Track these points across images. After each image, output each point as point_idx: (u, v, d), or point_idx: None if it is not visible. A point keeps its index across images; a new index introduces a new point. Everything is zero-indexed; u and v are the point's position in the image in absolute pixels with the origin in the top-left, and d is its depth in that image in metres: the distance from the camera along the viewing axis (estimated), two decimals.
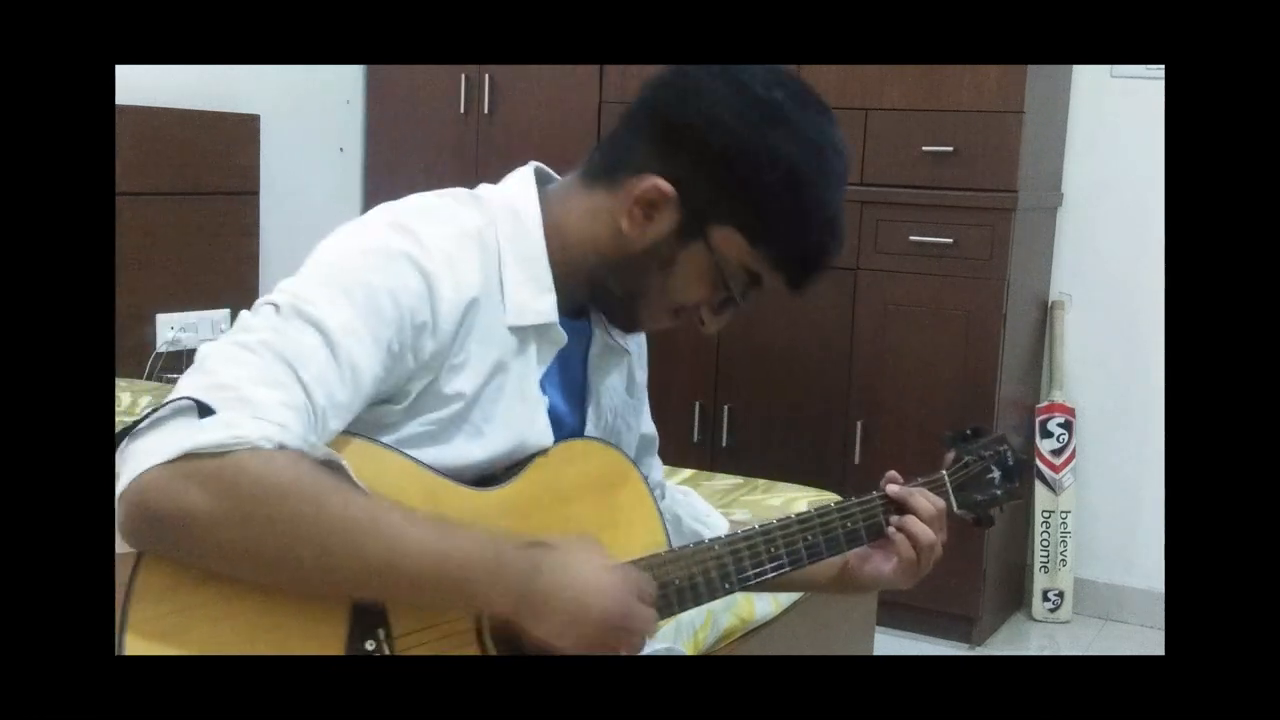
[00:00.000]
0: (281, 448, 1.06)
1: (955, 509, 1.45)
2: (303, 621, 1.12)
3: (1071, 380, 3.57)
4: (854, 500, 1.40)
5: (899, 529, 1.38)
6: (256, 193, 3.48)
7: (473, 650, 1.21)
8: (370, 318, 1.15)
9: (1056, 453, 3.51)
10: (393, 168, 4.08)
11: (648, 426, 1.55)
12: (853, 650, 2.68)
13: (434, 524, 1.13)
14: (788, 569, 1.35)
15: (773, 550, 1.34)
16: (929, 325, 3.30)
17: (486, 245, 1.26)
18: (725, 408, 3.57)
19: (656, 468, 1.59)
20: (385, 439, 1.21)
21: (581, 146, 4.63)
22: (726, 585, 1.31)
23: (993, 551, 3.34)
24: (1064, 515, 3.52)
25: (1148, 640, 3.44)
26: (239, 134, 3.44)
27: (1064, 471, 3.51)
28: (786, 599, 2.36)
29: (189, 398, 1.05)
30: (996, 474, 1.48)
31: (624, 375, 1.46)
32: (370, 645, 1.15)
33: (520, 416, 1.28)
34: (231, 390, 1.07)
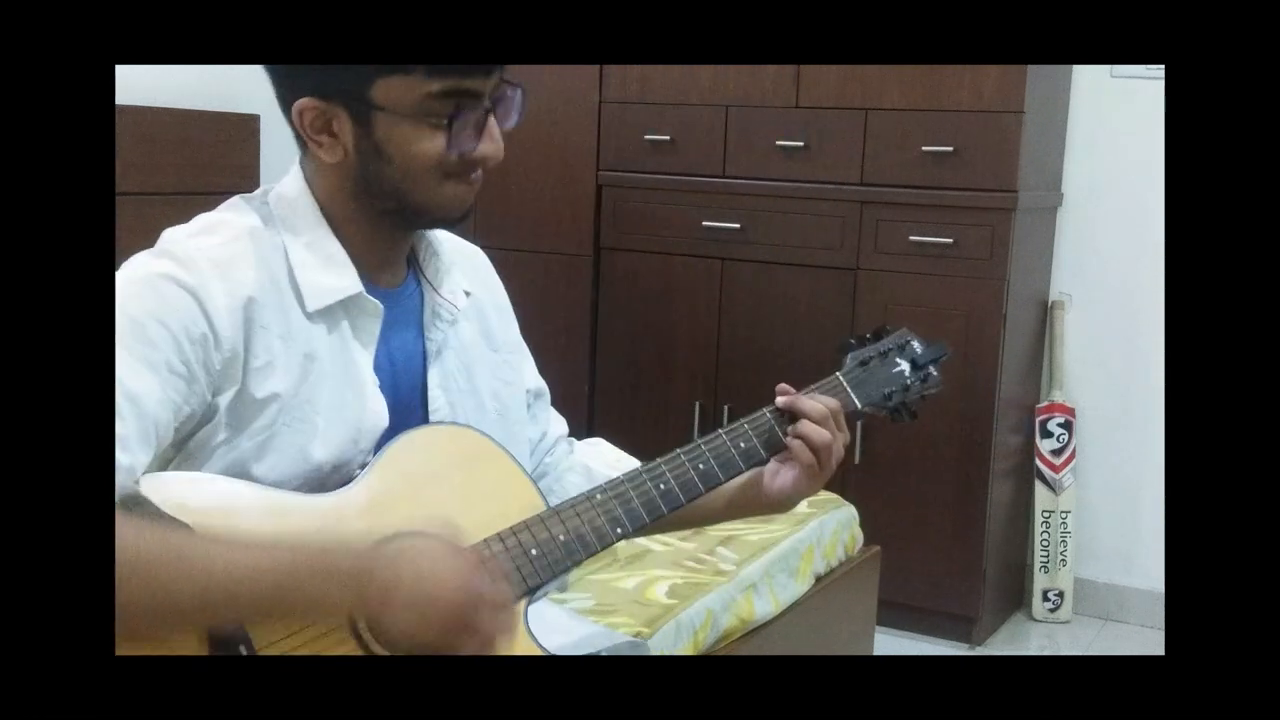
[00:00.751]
0: None
1: (860, 406, 1.45)
2: (158, 650, 1.09)
3: (1071, 380, 3.57)
4: (743, 420, 1.40)
5: (794, 435, 1.38)
6: None
7: (350, 646, 1.18)
8: (137, 346, 1.15)
9: (1056, 453, 3.51)
10: None
11: (532, 381, 1.53)
12: (853, 650, 2.68)
13: (244, 543, 1.11)
14: (683, 501, 1.34)
15: (662, 486, 1.34)
16: (929, 325, 3.28)
17: (263, 242, 1.26)
18: (725, 408, 3.57)
19: (554, 421, 1.57)
20: (221, 462, 1.20)
21: (581, 146, 4.63)
22: (618, 530, 1.31)
23: (993, 551, 3.34)
24: (1064, 515, 3.52)
25: (1148, 640, 3.44)
26: (239, 134, 3.44)
27: (1064, 471, 3.51)
28: (786, 598, 2.37)
29: None
30: (904, 365, 1.48)
31: (476, 332, 1.43)
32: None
33: (348, 401, 1.27)
34: None
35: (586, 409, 3.78)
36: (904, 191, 3.31)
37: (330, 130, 1.26)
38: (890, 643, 3.26)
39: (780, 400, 1.40)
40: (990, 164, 3.21)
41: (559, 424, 1.58)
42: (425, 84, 1.23)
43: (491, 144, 1.28)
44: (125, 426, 1.12)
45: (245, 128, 3.46)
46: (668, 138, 3.61)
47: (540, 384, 1.55)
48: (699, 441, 1.37)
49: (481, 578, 1.17)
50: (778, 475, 1.42)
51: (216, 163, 3.35)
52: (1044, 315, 3.57)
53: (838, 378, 1.46)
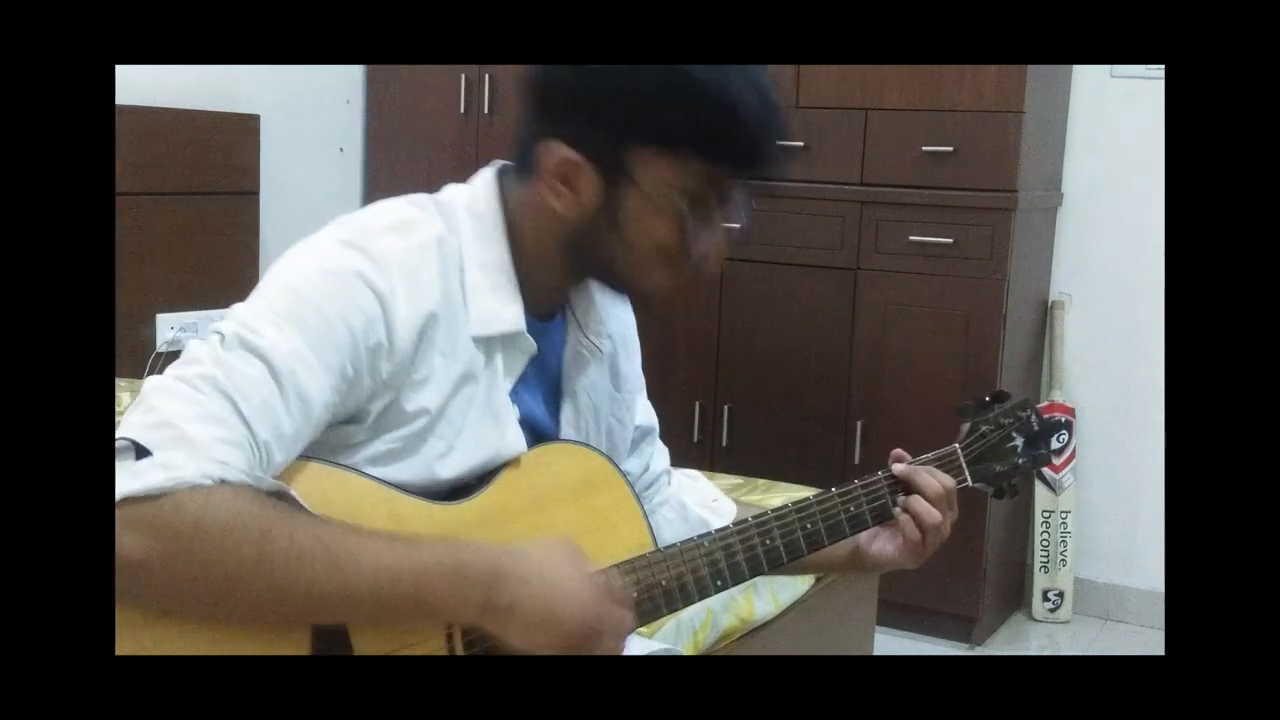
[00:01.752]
0: (223, 483, 1.04)
1: (970, 483, 1.40)
2: (264, 650, 1.10)
3: (1071, 380, 3.57)
4: (857, 483, 1.36)
5: (904, 509, 1.35)
6: (256, 193, 3.47)
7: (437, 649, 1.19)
8: (320, 344, 1.13)
9: (1056, 453, 3.51)
10: (393, 168, 4.07)
11: (644, 418, 1.51)
12: (853, 650, 2.68)
13: (387, 541, 1.12)
14: (785, 562, 1.32)
15: (769, 543, 1.31)
16: (929, 325, 3.30)
17: (448, 253, 1.22)
18: (725, 408, 3.57)
19: (660, 455, 1.55)
20: (350, 458, 1.19)
21: None
22: (719, 583, 1.28)
23: (993, 551, 3.35)
24: (1064, 515, 3.52)
25: (1148, 640, 3.44)
26: (239, 134, 3.44)
27: (1064, 471, 3.51)
28: (786, 598, 2.37)
29: (127, 438, 1.04)
30: (1019, 441, 1.42)
31: (605, 371, 1.42)
32: None
33: (489, 430, 1.25)
34: (171, 429, 1.05)
35: None
36: (904, 191, 3.31)
37: (571, 184, 1.22)
38: (890, 643, 3.26)
39: (896, 468, 1.37)
40: (990, 164, 3.21)
41: (661, 458, 1.56)
42: (685, 166, 1.20)
43: (716, 242, 1.26)
44: (292, 425, 1.11)
45: (245, 128, 3.46)
46: None
47: (650, 419, 1.52)
48: (810, 500, 1.34)
49: (607, 604, 1.18)
50: (875, 541, 1.39)
51: (216, 163, 3.34)
52: (1044, 315, 3.57)
53: (956, 452, 1.41)
